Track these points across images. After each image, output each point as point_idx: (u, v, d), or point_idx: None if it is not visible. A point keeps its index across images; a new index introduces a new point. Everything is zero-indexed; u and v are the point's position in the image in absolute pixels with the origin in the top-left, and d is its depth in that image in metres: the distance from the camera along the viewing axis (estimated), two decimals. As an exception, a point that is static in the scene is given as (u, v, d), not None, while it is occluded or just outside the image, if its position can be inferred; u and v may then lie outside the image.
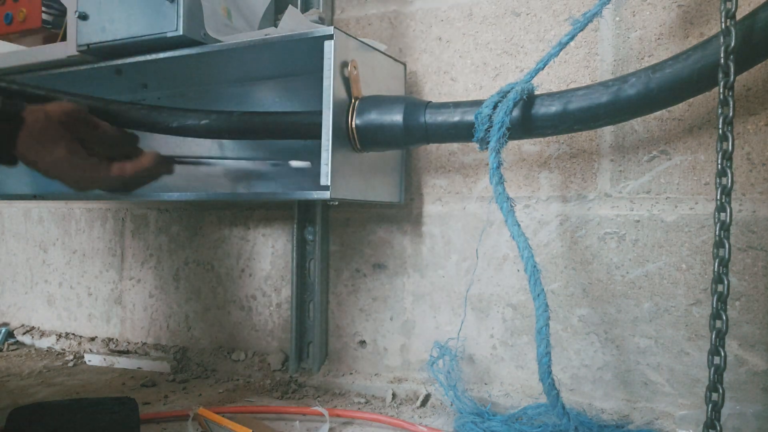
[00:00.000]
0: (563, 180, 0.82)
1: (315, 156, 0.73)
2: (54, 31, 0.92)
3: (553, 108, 0.67)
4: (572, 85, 0.81)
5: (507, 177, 0.79)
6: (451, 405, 0.79)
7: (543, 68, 0.71)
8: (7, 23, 0.93)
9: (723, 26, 0.57)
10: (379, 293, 0.94)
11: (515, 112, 0.67)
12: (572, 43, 0.73)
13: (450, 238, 0.89)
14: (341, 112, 0.72)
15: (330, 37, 0.70)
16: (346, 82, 0.72)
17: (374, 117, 0.72)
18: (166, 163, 0.77)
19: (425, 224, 0.91)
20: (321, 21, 0.88)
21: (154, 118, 0.82)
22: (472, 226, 0.87)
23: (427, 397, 0.88)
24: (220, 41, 0.79)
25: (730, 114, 0.56)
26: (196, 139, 0.98)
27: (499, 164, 0.67)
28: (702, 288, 0.74)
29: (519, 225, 0.67)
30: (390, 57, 0.83)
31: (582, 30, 0.69)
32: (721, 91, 0.56)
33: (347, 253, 0.97)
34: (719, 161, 0.57)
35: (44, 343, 1.24)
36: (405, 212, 0.92)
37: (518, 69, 0.84)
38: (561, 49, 0.70)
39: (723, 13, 0.57)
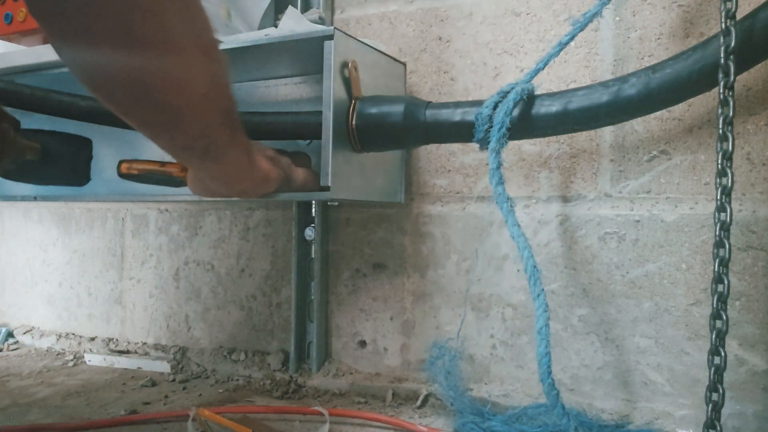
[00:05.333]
0: (563, 180, 0.82)
1: (315, 156, 0.73)
2: (54, 31, 0.92)
3: (554, 108, 0.67)
4: (572, 85, 0.81)
5: (507, 177, 0.79)
6: (451, 405, 0.79)
7: (543, 68, 0.71)
8: (7, 23, 0.93)
9: (723, 26, 0.57)
10: (379, 293, 0.94)
11: (515, 113, 0.67)
12: (572, 43, 0.73)
13: (450, 238, 0.89)
14: (341, 112, 0.72)
15: (330, 37, 0.70)
16: (346, 82, 0.72)
17: (374, 117, 0.72)
18: None
19: (425, 224, 0.91)
20: (321, 21, 0.88)
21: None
22: (472, 226, 0.87)
23: (427, 397, 0.88)
24: (220, 42, 0.79)
25: (730, 114, 0.56)
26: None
27: (499, 164, 0.67)
28: (702, 288, 0.74)
29: (519, 225, 0.68)
30: (390, 57, 0.83)
31: (582, 30, 0.69)
32: (721, 91, 0.56)
33: (347, 253, 0.97)
34: (719, 161, 0.57)
35: (44, 343, 1.24)
36: (405, 212, 0.92)
37: (518, 69, 0.84)
38: (561, 49, 0.70)
39: (723, 13, 0.57)
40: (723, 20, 0.57)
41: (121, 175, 0.85)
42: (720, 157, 0.57)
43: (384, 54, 0.82)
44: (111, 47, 0.46)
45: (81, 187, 1.03)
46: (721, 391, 0.56)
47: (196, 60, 0.51)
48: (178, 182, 0.80)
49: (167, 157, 0.69)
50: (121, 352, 1.15)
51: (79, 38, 0.45)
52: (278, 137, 0.82)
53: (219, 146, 0.61)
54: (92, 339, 1.21)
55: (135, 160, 0.85)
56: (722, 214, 0.57)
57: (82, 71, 0.49)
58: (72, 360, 1.15)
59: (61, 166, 0.94)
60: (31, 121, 0.91)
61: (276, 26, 0.77)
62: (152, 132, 0.58)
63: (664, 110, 0.74)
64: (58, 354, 1.19)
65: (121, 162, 0.85)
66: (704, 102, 0.74)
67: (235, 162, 0.65)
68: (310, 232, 0.96)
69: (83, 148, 0.97)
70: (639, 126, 0.77)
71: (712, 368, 0.56)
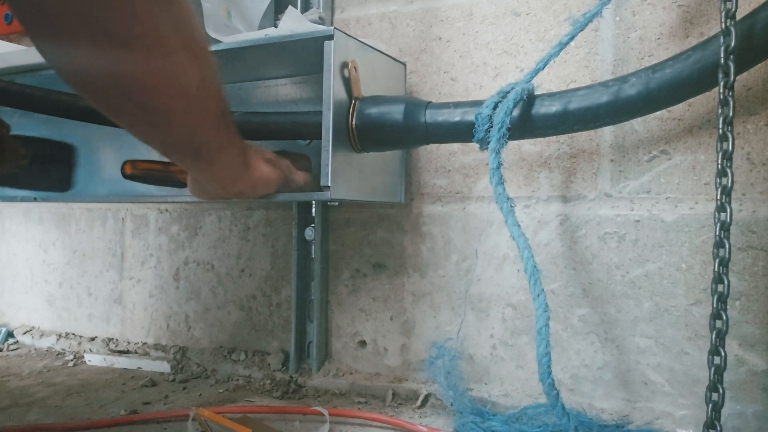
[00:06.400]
0: (563, 180, 0.82)
1: (316, 156, 0.73)
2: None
3: (554, 108, 0.67)
4: (572, 85, 0.81)
5: (507, 177, 0.79)
6: (451, 405, 0.79)
7: (543, 68, 0.71)
8: (7, 23, 0.93)
9: (723, 26, 0.57)
10: (379, 293, 0.94)
11: (515, 113, 0.67)
12: (572, 43, 0.73)
13: (450, 238, 0.89)
14: (341, 112, 0.72)
15: (330, 37, 0.70)
16: (346, 82, 0.72)
17: (374, 117, 0.72)
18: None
19: (425, 224, 0.91)
20: (321, 21, 0.88)
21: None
22: (472, 226, 0.87)
23: (427, 397, 0.88)
24: (219, 41, 0.79)
25: (730, 114, 0.56)
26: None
27: (499, 164, 0.67)
28: (702, 288, 0.74)
29: (519, 225, 0.67)
30: (390, 57, 0.83)
31: (582, 30, 0.69)
32: (721, 91, 0.56)
33: (347, 253, 0.97)
34: (719, 161, 0.57)
35: (44, 343, 1.24)
36: (405, 212, 0.92)
37: (518, 69, 0.84)
38: (561, 49, 0.70)
39: (723, 13, 0.57)
40: (723, 20, 0.57)
41: (125, 176, 0.85)
42: (720, 157, 0.57)
43: (384, 54, 0.82)
44: (92, 48, 0.45)
45: (80, 188, 1.03)
46: (721, 391, 0.56)
47: (184, 61, 0.50)
48: (181, 183, 0.80)
49: None
50: (121, 352, 1.15)
51: (59, 38, 0.45)
52: (278, 137, 0.82)
53: (212, 148, 0.61)
54: (92, 339, 1.21)
55: (138, 160, 0.85)
56: (722, 214, 0.57)
57: (66, 71, 0.49)
58: (72, 360, 1.15)
59: (47, 172, 0.95)
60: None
61: (276, 26, 0.77)
62: (143, 133, 0.58)
63: (664, 110, 0.74)
64: (58, 354, 1.19)
65: (125, 163, 0.85)
66: (704, 102, 0.74)
67: (230, 163, 0.65)
68: (310, 232, 0.96)
69: (66, 153, 0.98)
70: (639, 126, 0.77)
71: (712, 368, 0.56)
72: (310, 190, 0.76)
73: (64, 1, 0.42)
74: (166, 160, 0.80)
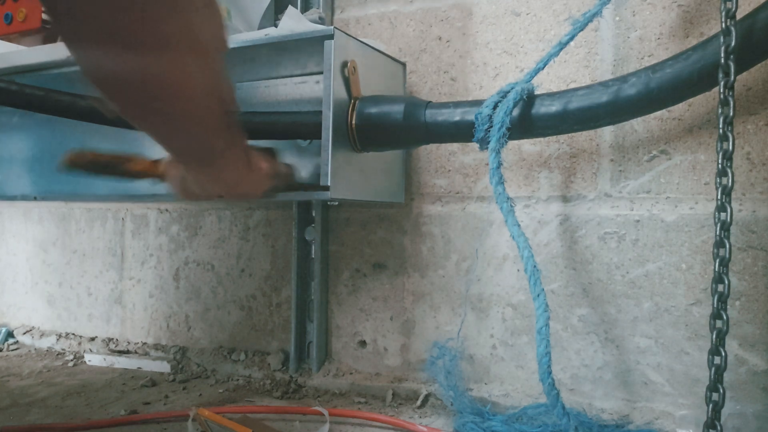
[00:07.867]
0: (563, 180, 0.82)
1: (315, 156, 0.73)
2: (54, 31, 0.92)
3: (554, 108, 0.67)
4: (572, 85, 0.81)
5: (507, 177, 0.79)
6: (451, 405, 0.79)
7: (543, 68, 0.71)
8: (7, 23, 0.93)
9: (723, 26, 0.57)
10: (379, 293, 0.94)
11: (515, 112, 0.67)
12: (572, 43, 0.73)
13: (450, 238, 0.89)
14: (341, 112, 0.72)
15: (330, 37, 0.70)
16: (346, 82, 0.72)
17: (374, 117, 0.72)
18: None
19: (425, 224, 0.91)
20: (321, 21, 0.88)
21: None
22: (472, 226, 0.87)
23: (427, 397, 0.88)
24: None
25: (731, 114, 0.56)
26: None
27: (499, 164, 0.67)
28: (702, 288, 0.74)
29: (519, 225, 0.68)
30: (390, 57, 0.83)
31: (582, 30, 0.69)
32: (722, 91, 0.56)
33: (347, 253, 0.97)
34: (719, 161, 0.57)
35: (44, 343, 1.24)
36: (405, 212, 0.92)
37: (518, 69, 0.84)
38: (561, 49, 0.70)
39: (723, 13, 0.57)
40: (723, 20, 0.57)
41: (66, 167, 0.75)
42: (720, 157, 0.57)
43: (384, 54, 0.82)
44: (101, 50, 0.46)
45: (81, 188, 1.02)
46: (721, 391, 0.56)
47: (194, 64, 0.51)
48: (131, 176, 0.74)
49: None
50: (121, 352, 1.14)
51: (79, 42, 0.45)
52: (278, 137, 0.82)
53: (217, 149, 0.61)
54: (92, 339, 1.21)
55: (86, 150, 0.77)
56: (722, 214, 0.57)
57: (95, 70, 0.49)
58: (72, 360, 1.15)
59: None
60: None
61: (276, 26, 0.77)
62: (154, 133, 0.59)
63: (664, 110, 0.74)
64: (58, 354, 1.19)
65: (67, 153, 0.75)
66: (704, 102, 0.74)
67: (233, 164, 0.66)
68: (310, 232, 0.96)
69: None
70: (639, 126, 0.77)
71: (712, 368, 0.56)
72: (292, 179, 0.75)
73: (78, 5, 0.42)
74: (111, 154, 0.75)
